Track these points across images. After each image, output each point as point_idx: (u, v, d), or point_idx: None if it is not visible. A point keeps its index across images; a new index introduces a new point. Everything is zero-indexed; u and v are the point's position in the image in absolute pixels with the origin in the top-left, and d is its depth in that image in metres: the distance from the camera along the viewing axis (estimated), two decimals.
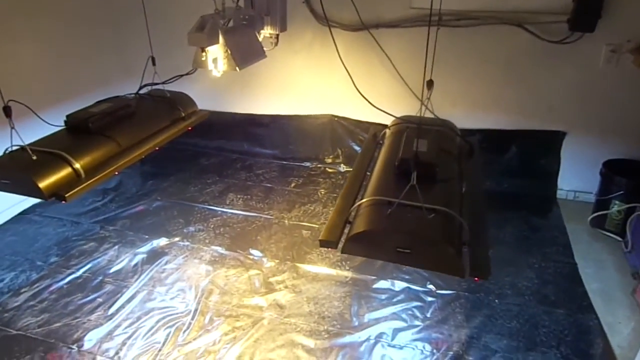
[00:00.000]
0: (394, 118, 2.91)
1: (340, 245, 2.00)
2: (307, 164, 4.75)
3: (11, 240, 3.71)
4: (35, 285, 3.22)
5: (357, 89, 3.26)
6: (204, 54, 2.44)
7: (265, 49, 2.91)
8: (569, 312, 2.93)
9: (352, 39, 4.05)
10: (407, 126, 2.90)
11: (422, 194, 1.98)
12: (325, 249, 3.41)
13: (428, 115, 2.64)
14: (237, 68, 2.47)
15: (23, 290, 3.18)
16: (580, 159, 4.04)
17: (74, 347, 2.74)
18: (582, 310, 2.97)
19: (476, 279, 1.90)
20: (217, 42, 2.39)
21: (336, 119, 4.58)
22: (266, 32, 2.85)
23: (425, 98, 2.73)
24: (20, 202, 4.00)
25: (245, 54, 2.55)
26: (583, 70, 3.74)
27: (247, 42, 2.62)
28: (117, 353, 2.69)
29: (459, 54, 3.92)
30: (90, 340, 2.78)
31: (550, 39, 3.65)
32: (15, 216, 3.98)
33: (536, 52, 3.74)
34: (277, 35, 2.89)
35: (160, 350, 2.71)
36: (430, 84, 2.78)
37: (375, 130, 3.08)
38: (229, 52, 2.40)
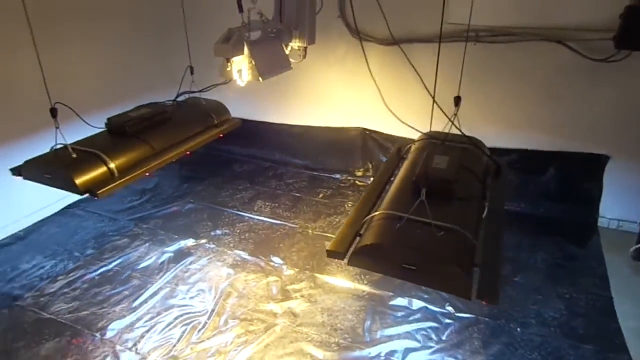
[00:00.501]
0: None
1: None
2: (337, 175, 4.77)
3: (55, 231, 3.98)
4: (71, 275, 3.42)
5: (384, 103, 3.27)
6: (229, 64, 2.54)
7: (293, 61, 2.98)
8: (598, 349, 2.75)
9: (386, 53, 4.06)
10: (432, 142, 2.88)
11: (436, 211, 1.95)
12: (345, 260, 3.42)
13: (456, 131, 2.60)
14: (260, 78, 2.55)
15: (59, 278, 3.39)
16: (624, 185, 3.81)
17: (97, 334, 2.89)
18: (613, 349, 2.78)
19: (484, 302, 1.84)
20: (242, 54, 2.49)
21: (367, 132, 4.59)
22: (294, 44, 2.93)
23: (453, 114, 2.70)
24: (66, 197, 4.27)
25: (269, 65, 2.62)
26: (629, 90, 3.54)
27: (272, 53, 2.70)
28: (135, 344, 2.81)
29: (496, 71, 3.83)
30: (112, 329, 2.93)
31: (593, 56, 3.49)
32: (61, 209, 4.26)
33: (578, 70, 3.58)
34: (305, 47, 2.95)
35: (174, 346, 2.80)
36: (457, 100, 2.74)
37: (400, 145, 3.07)
38: (253, 63, 2.49)
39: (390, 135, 4.46)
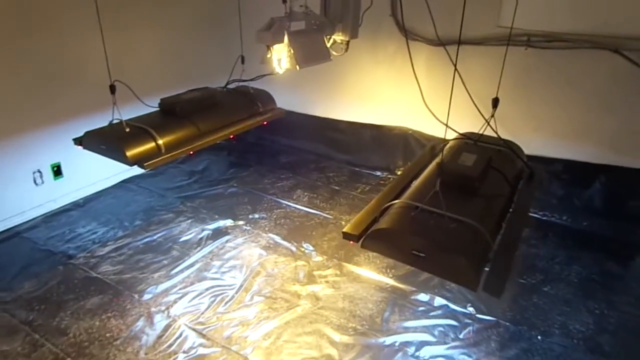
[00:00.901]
0: None
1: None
2: (378, 173, 4.84)
3: (110, 202, 4.34)
4: (119, 241, 3.74)
5: (424, 102, 3.29)
6: (269, 52, 2.69)
7: (335, 53, 3.10)
8: None
9: (434, 53, 4.07)
10: (466, 142, 2.90)
11: (455, 204, 2.00)
12: (373, 253, 3.51)
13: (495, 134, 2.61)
14: (297, 67, 2.69)
15: (109, 243, 3.71)
16: None
17: (136, 296, 3.15)
18: None
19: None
20: (282, 42, 2.63)
21: (410, 132, 4.61)
22: (337, 37, 3.03)
23: (490, 116, 2.71)
24: (123, 172, 4.64)
25: (308, 54, 2.75)
26: None
27: (312, 44, 2.83)
28: (167, 308, 3.04)
29: (546, 78, 3.75)
30: (149, 293, 3.18)
31: None
32: (118, 183, 4.64)
33: (633, 81, 3.43)
34: (348, 41, 3.05)
35: (202, 313, 3.01)
36: (495, 101, 2.76)
37: (435, 144, 3.11)
38: (292, 51, 2.63)
39: (433, 137, 4.46)
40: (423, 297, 3.17)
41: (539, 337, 2.84)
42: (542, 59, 3.66)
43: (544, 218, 4.05)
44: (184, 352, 2.73)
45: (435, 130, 4.40)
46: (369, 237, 2.08)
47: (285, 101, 3.60)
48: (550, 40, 3.64)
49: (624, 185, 3.76)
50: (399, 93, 4.52)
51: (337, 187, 4.62)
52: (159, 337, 2.83)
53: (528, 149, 3.43)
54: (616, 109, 3.61)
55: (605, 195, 3.83)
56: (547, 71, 3.71)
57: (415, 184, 2.48)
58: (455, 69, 2.86)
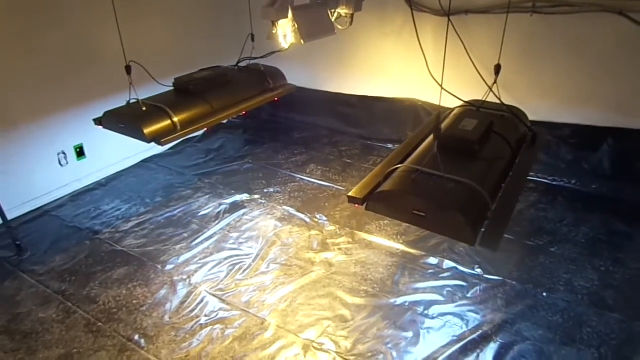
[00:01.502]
0: None
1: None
2: (389, 145, 4.92)
3: (132, 180, 4.54)
4: (142, 217, 3.93)
5: (429, 72, 3.34)
6: (274, 27, 2.78)
7: (339, 27, 3.16)
8: (624, 319, 2.74)
9: (441, 24, 4.09)
10: (469, 109, 2.98)
11: (454, 167, 2.10)
12: (384, 221, 3.63)
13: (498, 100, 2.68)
14: (302, 41, 2.77)
15: (132, 219, 3.91)
16: None
17: (159, 266, 3.35)
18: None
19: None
20: (286, 17, 2.72)
21: (420, 103, 4.66)
22: (341, 10, 3.09)
23: (492, 83, 2.78)
24: (144, 152, 4.83)
25: (313, 29, 2.83)
26: None
27: (316, 18, 2.90)
28: (189, 277, 3.23)
29: (552, 44, 3.75)
30: (171, 264, 3.37)
31: None
32: (138, 162, 4.83)
33: (639, 43, 3.42)
34: (352, 14, 3.11)
35: (222, 281, 3.19)
36: (497, 68, 2.81)
37: (440, 112, 3.18)
38: (296, 26, 2.71)
39: (444, 108, 4.50)
40: (432, 260, 3.29)
41: (544, 294, 2.94)
42: (547, 25, 3.67)
43: (554, 183, 4.10)
44: (205, 315, 2.91)
45: (444, 101, 4.43)
46: (373, 200, 2.20)
47: (296, 78, 3.69)
48: (555, 5, 3.63)
49: (631, 147, 3.78)
50: (408, 65, 4.56)
51: (349, 161, 4.73)
52: (182, 302, 3.02)
53: (535, 116, 3.49)
54: (622, 72, 3.61)
55: (613, 157, 3.86)
56: (552, 37, 3.72)
57: (419, 150, 2.58)
58: (460, 40, 2.90)
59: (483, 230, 1.98)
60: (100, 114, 2.97)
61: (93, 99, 4.16)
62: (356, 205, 2.26)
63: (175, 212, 3.98)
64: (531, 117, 2.78)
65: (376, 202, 2.19)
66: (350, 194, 2.28)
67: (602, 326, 2.70)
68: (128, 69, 2.87)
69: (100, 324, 2.87)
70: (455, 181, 2.04)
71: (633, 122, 3.70)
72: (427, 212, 2.00)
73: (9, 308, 3.00)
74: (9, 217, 3.62)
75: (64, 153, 4.17)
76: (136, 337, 2.76)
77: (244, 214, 3.92)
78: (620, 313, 2.78)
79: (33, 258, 3.47)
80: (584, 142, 3.92)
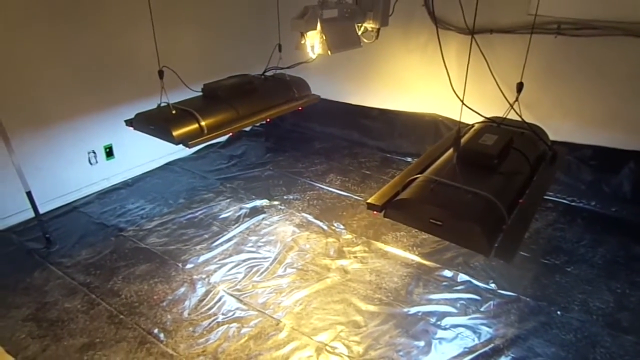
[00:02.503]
0: None
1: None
2: (409, 159, 4.98)
3: (157, 182, 4.69)
4: (164, 217, 4.06)
5: (452, 87, 3.41)
6: (303, 38, 2.90)
7: (365, 40, 3.27)
8: (638, 341, 2.73)
9: (466, 42, 4.17)
10: (490, 124, 3.04)
11: (473, 179, 2.16)
12: (401, 232, 3.69)
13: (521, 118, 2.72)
14: (329, 52, 2.88)
15: (155, 218, 4.04)
16: None
17: (179, 265, 3.45)
18: None
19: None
20: (315, 29, 2.83)
21: (440, 118, 4.73)
22: (368, 25, 3.20)
23: (514, 100, 2.84)
24: (168, 155, 4.99)
25: (340, 40, 2.93)
26: None
27: (344, 31, 3.01)
28: (207, 276, 3.33)
29: (576, 65, 3.78)
30: (192, 263, 3.47)
31: None
32: (163, 165, 4.99)
33: None
34: (378, 29, 3.21)
35: (239, 282, 3.27)
36: (520, 86, 2.87)
37: (460, 127, 3.24)
38: (324, 37, 2.83)
39: (464, 123, 4.55)
40: (447, 273, 3.32)
41: (558, 312, 2.95)
42: (572, 47, 3.71)
43: (573, 203, 4.10)
44: (222, 314, 3.00)
45: (465, 117, 4.49)
46: (391, 207, 2.27)
47: (320, 89, 3.79)
48: (580, 28, 3.68)
49: None
50: (430, 81, 4.63)
51: (368, 172, 4.80)
52: (200, 300, 3.11)
53: (557, 136, 3.51)
54: None
55: (634, 181, 3.84)
56: (575, 59, 3.75)
57: (438, 162, 2.64)
58: (484, 58, 2.98)
59: (498, 241, 2.03)
60: (130, 116, 3.11)
61: (123, 101, 4.34)
62: (374, 213, 2.32)
63: (197, 214, 4.10)
64: (552, 137, 2.82)
65: (394, 209, 2.26)
66: (369, 200, 2.35)
67: (616, 347, 2.70)
68: (161, 74, 3.00)
69: (122, 316, 2.98)
70: (473, 193, 2.09)
71: None
72: (444, 221, 2.06)
73: (38, 297, 3.14)
74: (41, 210, 3.78)
75: (94, 152, 4.35)
76: (155, 331, 2.86)
77: (263, 219, 4.02)
78: (635, 335, 2.77)
79: (61, 251, 3.62)
80: (604, 164, 3.92)
